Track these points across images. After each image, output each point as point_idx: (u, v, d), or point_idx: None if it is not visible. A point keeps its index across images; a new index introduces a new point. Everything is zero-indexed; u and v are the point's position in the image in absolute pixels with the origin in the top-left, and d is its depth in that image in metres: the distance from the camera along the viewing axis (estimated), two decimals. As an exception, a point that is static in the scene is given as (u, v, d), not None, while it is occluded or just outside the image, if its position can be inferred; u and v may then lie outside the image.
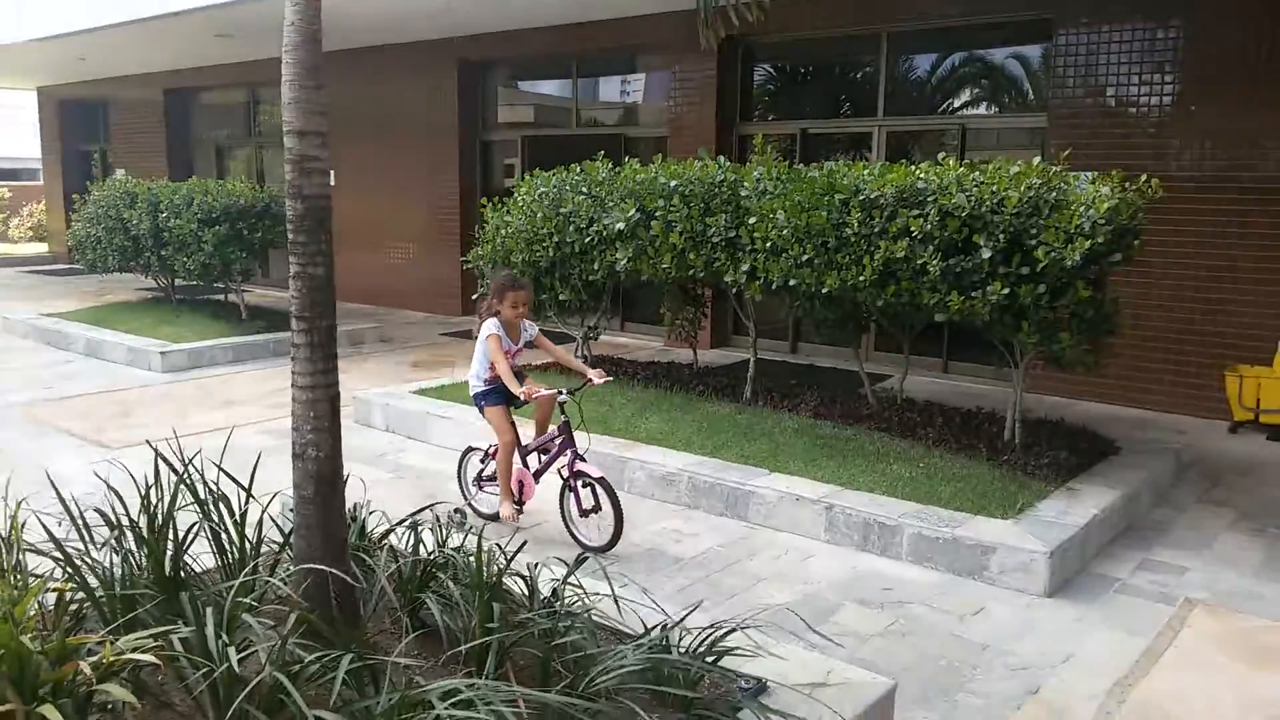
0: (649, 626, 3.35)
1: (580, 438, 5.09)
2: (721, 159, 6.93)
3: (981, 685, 3.78)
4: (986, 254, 5.20)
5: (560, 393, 5.02)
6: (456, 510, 5.12)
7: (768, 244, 6.15)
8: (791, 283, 6.05)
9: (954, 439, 6.00)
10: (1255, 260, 7.47)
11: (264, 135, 16.24)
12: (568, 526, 5.15)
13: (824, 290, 5.88)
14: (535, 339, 5.25)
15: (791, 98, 10.56)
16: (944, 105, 9.38)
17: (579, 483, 5.01)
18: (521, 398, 4.90)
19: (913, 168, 5.77)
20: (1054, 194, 5.22)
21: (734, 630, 3.20)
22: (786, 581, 4.72)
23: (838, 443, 6.06)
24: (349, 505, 3.47)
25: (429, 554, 3.58)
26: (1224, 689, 3.74)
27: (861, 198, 5.75)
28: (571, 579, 3.38)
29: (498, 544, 3.65)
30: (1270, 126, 7.33)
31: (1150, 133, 7.80)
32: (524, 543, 3.55)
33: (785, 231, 6.01)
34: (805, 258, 5.93)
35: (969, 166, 5.60)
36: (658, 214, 6.78)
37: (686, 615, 3.37)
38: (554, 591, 3.35)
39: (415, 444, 7.03)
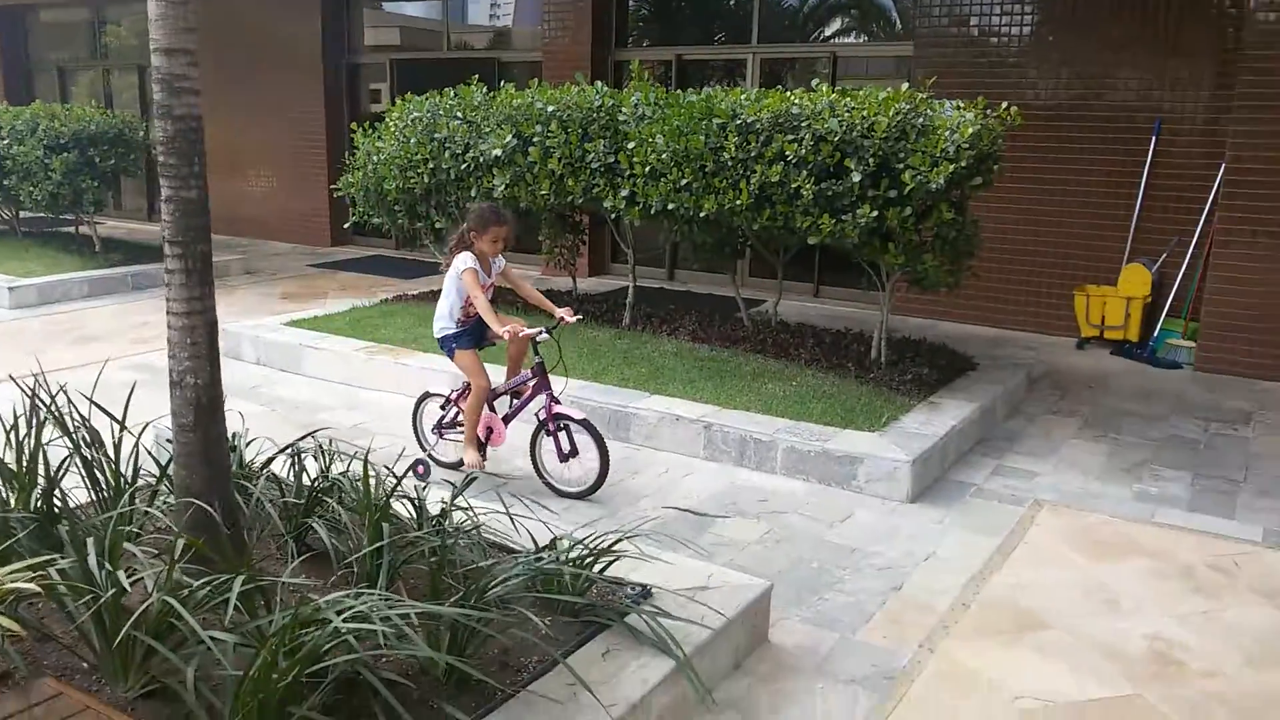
0: (537, 540, 3.45)
1: (556, 381, 4.84)
2: (600, 84, 6.91)
3: (850, 584, 4.02)
4: (857, 177, 5.38)
5: (541, 331, 4.76)
6: (419, 463, 4.90)
7: (646, 169, 6.20)
8: (670, 207, 6.13)
9: (825, 359, 6.24)
10: (1104, 188, 7.91)
11: (111, 57, 15.27)
12: (540, 472, 4.94)
13: (702, 214, 5.98)
14: (504, 272, 4.99)
15: (667, 24, 10.53)
16: (816, 34, 9.52)
17: (555, 426, 4.78)
18: (504, 335, 4.61)
19: (788, 94, 5.88)
20: (921, 119, 5.42)
21: (620, 540, 3.32)
22: (668, 497, 4.88)
23: (715, 364, 6.23)
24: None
25: (313, 481, 3.58)
26: (1067, 579, 4.07)
27: (738, 122, 5.85)
28: (460, 500, 3.44)
29: (386, 466, 3.67)
30: (1122, 59, 7.72)
31: (1011, 62, 8.11)
32: (472, 477, 3.57)
33: (664, 156, 6.07)
34: (684, 182, 6.00)
35: (841, 93, 5.74)
36: (535, 140, 6.73)
37: (575, 530, 3.47)
38: (442, 511, 3.40)
39: (288, 376, 6.90)
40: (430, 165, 7.26)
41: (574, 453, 4.78)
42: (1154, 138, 7.64)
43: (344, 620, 2.49)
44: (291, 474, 3.66)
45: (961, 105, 5.69)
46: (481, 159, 6.99)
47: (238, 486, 3.43)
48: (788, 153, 5.57)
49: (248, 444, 3.89)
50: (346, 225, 8.89)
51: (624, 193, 6.36)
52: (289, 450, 3.75)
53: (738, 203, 5.76)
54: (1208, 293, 7.28)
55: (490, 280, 4.90)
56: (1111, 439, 5.79)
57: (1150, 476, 5.21)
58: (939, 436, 5.13)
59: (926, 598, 3.92)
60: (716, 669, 3.29)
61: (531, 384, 4.86)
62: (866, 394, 5.70)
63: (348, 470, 3.67)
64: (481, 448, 4.95)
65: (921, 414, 5.48)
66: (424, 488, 3.62)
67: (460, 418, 5.01)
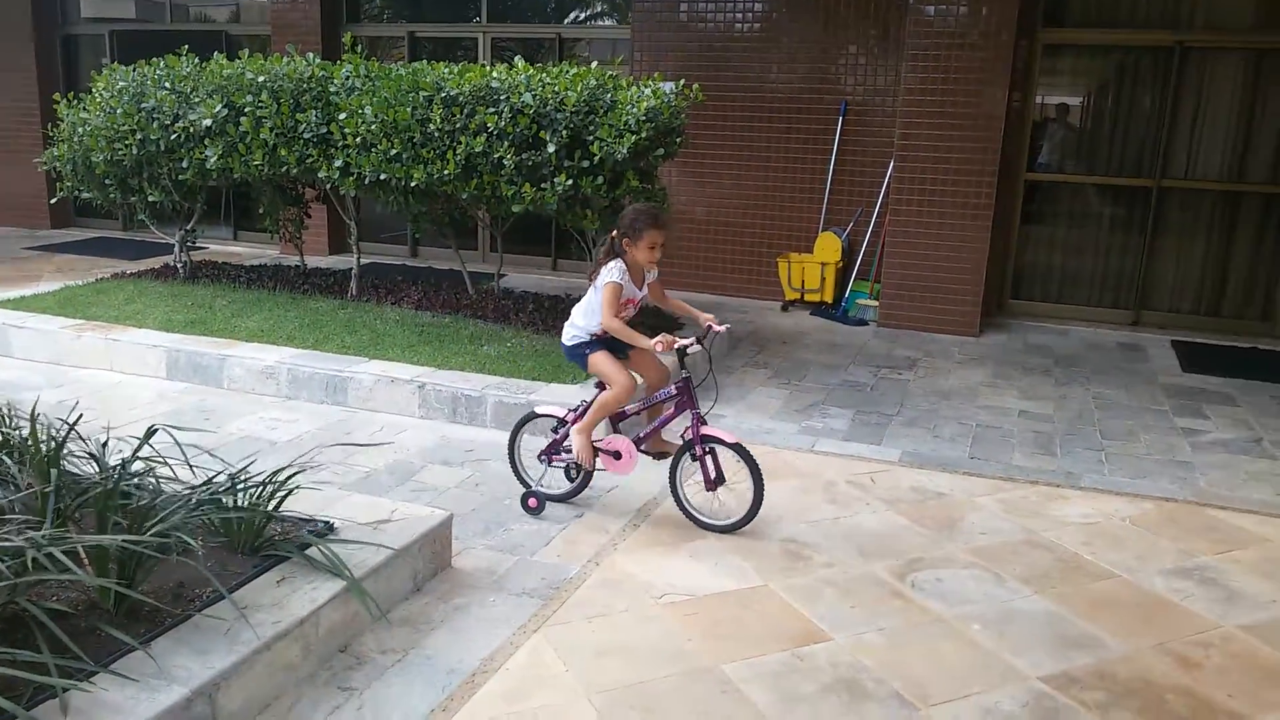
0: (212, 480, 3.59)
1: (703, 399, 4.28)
2: (311, 55, 6.96)
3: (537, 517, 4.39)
4: (552, 148, 5.76)
5: (693, 341, 4.12)
6: (530, 495, 4.39)
7: (358, 139, 6.34)
8: (383, 177, 6.30)
9: (542, 322, 6.62)
10: (801, 164, 8.71)
11: None
12: (681, 503, 4.32)
13: (413, 184, 6.20)
14: (653, 285, 4.36)
15: (402, 0, 10.59)
16: (543, 15, 9.87)
17: (703, 450, 4.19)
18: (658, 349, 4.02)
19: (488, 68, 6.19)
20: (609, 95, 5.86)
21: (297, 473, 3.53)
22: (379, 452, 5.09)
23: (435, 330, 6.47)
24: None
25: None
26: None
27: (443, 95, 6.10)
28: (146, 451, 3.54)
29: (62, 419, 3.70)
30: (813, 46, 8.50)
31: (718, 46, 8.75)
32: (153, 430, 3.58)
33: (374, 127, 6.23)
34: (394, 152, 6.20)
35: (537, 69, 6.10)
36: (247, 110, 6.72)
37: (246, 465, 3.64)
38: (122, 463, 3.49)
39: (-11, 356, 6.60)
40: (138, 136, 7.08)
41: (721, 479, 4.22)
42: (840, 119, 8.49)
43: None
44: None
45: (681, 85, 6.18)
46: (192, 129, 6.90)
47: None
48: (489, 125, 5.88)
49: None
50: (54, 200, 8.48)
51: (338, 163, 6.47)
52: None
53: (445, 173, 6.02)
54: (886, 258, 8.19)
55: (640, 295, 4.29)
56: (794, 385, 6.48)
57: (819, 414, 5.90)
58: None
59: (604, 522, 4.34)
60: (394, 591, 3.57)
61: (674, 402, 4.25)
62: (574, 351, 6.11)
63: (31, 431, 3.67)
64: (596, 454, 4.33)
65: (622, 367, 5.94)
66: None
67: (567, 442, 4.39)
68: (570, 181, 5.74)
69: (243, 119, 6.69)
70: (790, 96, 8.62)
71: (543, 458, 4.46)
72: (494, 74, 6.08)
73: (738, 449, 4.11)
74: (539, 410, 4.54)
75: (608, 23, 9.69)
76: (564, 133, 5.76)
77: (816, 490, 4.74)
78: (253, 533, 3.38)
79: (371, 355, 6.05)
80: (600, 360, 4.22)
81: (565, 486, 4.48)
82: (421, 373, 5.76)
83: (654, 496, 4.62)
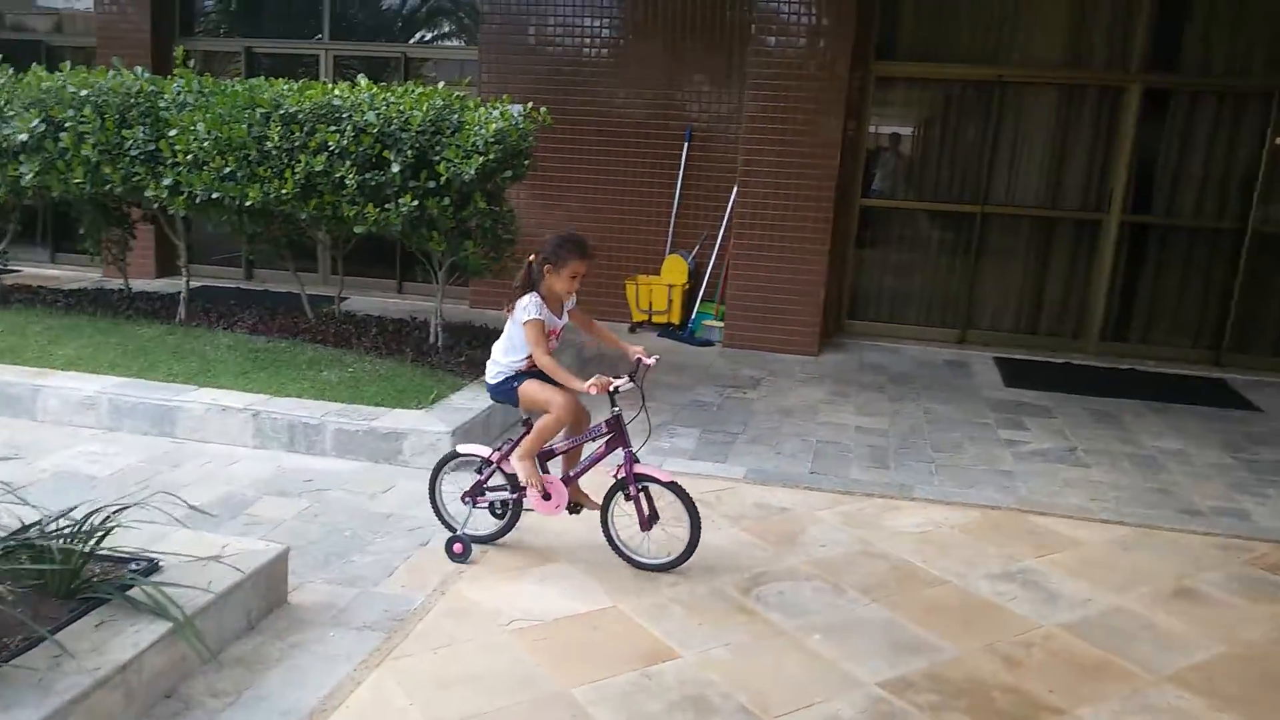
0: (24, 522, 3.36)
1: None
2: (140, 69, 6.63)
3: (380, 546, 4.27)
4: (396, 169, 5.66)
5: (626, 380, 3.97)
6: (455, 541, 4.15)
7: (189, 157, 6.07)
8: (215, 196, 6.05)
9: (385, 346, 6.47)
10: (649, 187, 8.83)
11: None
12: (613, 542, 4.19)
13: (248, 204, 5.97)
14: (573, 313, 4.22)
15: (238, 15, 10.22)
16: (389, 34, 9.72)
17: (637, 489, 4.06)
18: (591, 392, 3.83)
19: (330, 86, 6.04)
20: (455, 115, 5.81)
21: (120, 509, 3.32)
22: (210, 484, 4.86)
23: (271, 355, 6.23)
24: None
25: None
26: (579, 522, 4.57)
27: (282, 112, 5.91)
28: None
29: None
30: (659, 72, 8.65)
31: (566, 71, 8.79)
32: None
33: (207, 144, 5.98)
34: (228, 170, 5.96)
35: (381, 88, 5.99)
36: (68, 125, 6.34)
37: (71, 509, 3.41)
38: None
39: None
40: (-57, 151, 6.58)
41: (655, 517, 4.11)
42: (686, 145, 8.66)
43: None
44: None
45: (529, 109, 6.16)
46: (6, 144, 6.46)
47: None
48: (330, 143, 5.73)
49: None
50: None
51: (167, 181, 6.17)
52: None
53: (283, 192, 5.83)
54: (730, 281, 8.39)
55: (560, 324, 4.13)
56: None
57: (666, 434, 5.97)
58: (481, 410, 5.54)
59: (449, 549, 4.26)
60: (226, 631, 3.40)
61: (605, 439, 4.10)
62: (421, 376, 6.00)
63: None
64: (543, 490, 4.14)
65: (470, 391, 5.86)
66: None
67: (490, 481, 4.24)
68: (415, 202, 5.65)
69: (63, 134, 6.30)
70: (638, 122, 8.75)
71: (466, 499, 4.22)
72: (336, 91, 5.94)
73: (673, 487, 3.96)
74: (460, 450, 4.31)
75: (455, 43, 9.62)
76: (409, 153, 5.67)
77: (664, 510, 4.78)
78: (69, 575, 3.17)
79: (202, 383, 5.78)
80: (532, 389, 4.03)
81: (491, 527, 4.30)
82: (256, 400, 5.54)
83: (503, 521, 4.56)
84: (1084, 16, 8.26)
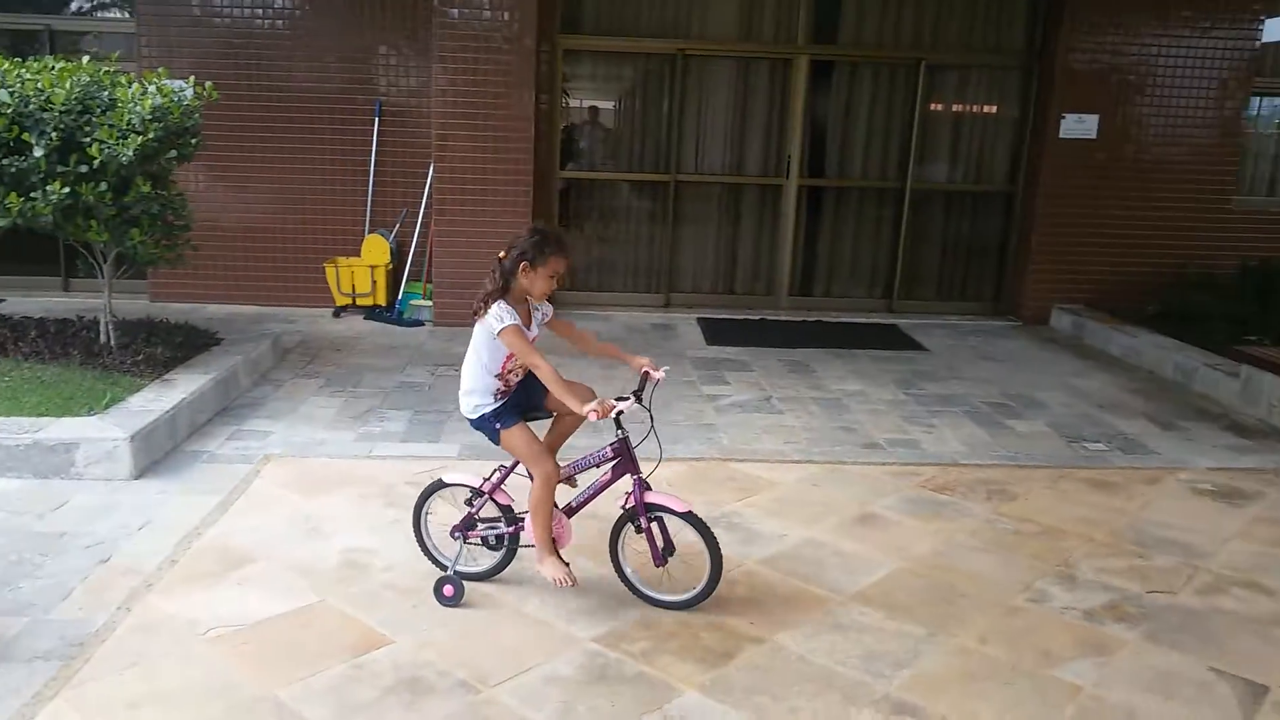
0: None
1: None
2: None
3: (52, 567, 3.85)
4: (40, 152, 5.07)
5: (629, 399, 3.50)
6: (445, 583, 3.64)
7: None
8: None
9: (48, 350, 5.82)
10: (344, 164, 8.47)
11: None
12: (624, 578, 3.73)
13: None
14: (550, 321, 3.67)
15: None
16: (33, 3, 8.67)
17: (648, 519, 3.57)
18: (592, 417, 3.30)
19: (-48, 62, 5.32)
20: (106, 93, 5.28)
21: None
22: None
23: (-95, 370, 5.45)
24: None
25: None
26: (280, 517, 4.37)
27: (-112, 93, 5.13)
28: None
29: None
30: (344, 43, 8.29)
31: (238, 44, 8.23)
32: None
33: None
34: None
35: (14, 63, 5.35)
36: None
37: None
38: None
39: None
40: None
41: (671, 550, 3.65)
42: (377, 118, 8.38)
43: None
44: None
45: (193, 84, 5.69)
46: None
47: None
48: (-42, 126, 5.05)
49: None
50: None
51: None
52: None
53: (-101, 183, 5.08)
54: (435, 258, 8.24)
55: (533, 335, 3.53)
56: (349, 393, 6.29)
57: (376, 419, 5.78)
58: (164, 411, 5.11)
59: (134, 563, 3.91)
60: None
61: (611, 465, 3.61)
62: (92, 379, 5.45)
63: None
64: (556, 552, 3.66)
65: (151, 392, 5.40)
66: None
67: (482, 512, 3.75)
68: (67, 189, 5.09)
69: None
70: (324, 96, 8.35)
71: (456, 534, 3.76)
72: (-44, 68, 5.23)
73: (689, 518, 3.54)
74: (447, 480, 3.82)
75: (112, 15, 8.74)
76: (54, 135, 5.09)
77: (375, 496, 4.64)
78: None
79: None
80: (516, 442, 3.53)
81: (487, 562, 3.84)
82: (-111, 422, 4.82)
83: (194, 527, 4.25)
84: (753, -8, 8.77)
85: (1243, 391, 6.62)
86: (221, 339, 6.62)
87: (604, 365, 6.53)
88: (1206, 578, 4.14)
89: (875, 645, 3.44)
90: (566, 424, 3.73)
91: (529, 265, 3.43)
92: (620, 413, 3.41)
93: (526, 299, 3.53)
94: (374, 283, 8.33)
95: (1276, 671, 3.44)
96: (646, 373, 3.54)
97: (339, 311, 8.45)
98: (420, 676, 3.19)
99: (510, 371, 3.55)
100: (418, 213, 8.49)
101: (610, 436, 3.64)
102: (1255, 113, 9.63)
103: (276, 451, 5.19)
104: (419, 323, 8.31)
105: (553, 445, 3.73)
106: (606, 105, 9.27)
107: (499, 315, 3.37)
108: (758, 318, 8.98)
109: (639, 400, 3.51)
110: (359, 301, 8.41)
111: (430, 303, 8.34)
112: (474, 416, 3.59)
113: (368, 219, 8.52)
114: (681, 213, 9.12)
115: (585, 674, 3.24)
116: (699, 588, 3.62)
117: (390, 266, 8.42)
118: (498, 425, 3.53)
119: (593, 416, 3.29)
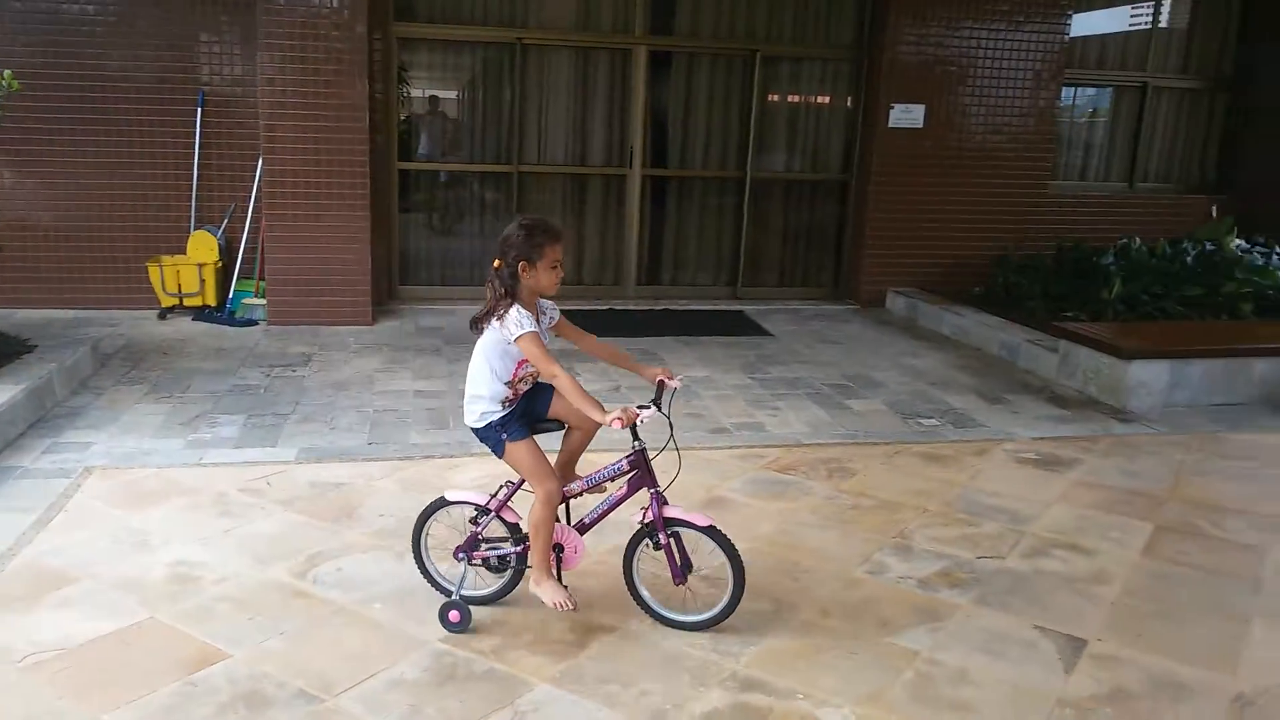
0: None
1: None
2: None
3: None
4: None
5: (650, 407, 3.27)
6: (450, 608, 3.42)
7: None
8: None
9: None
10: (165, 158, 8.02)
11: None
12: (639, 596, 3.55)
13: None
14: (558, 325, 3.48)
15: None
16: None
17: (667, 534, 3.36)
18: (615, 425, 3.14)
19: None
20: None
21: None
22: None
23: None
24: None
25: None
26: (103, 533, 4.10)
27: None
28: None
29: None
30: (162, 31, 7.83)
31: (42, 29, 7.68)
32: None
33: None
34: None
35: None
36: None
37: None
38: None
39: None
40: None
41: (690, 567, 3.44)
42: (200, 110, 7.97)
43: None
44: None
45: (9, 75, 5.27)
46: None
47: None
48: None
49: None
50: None
51: None
52: None
53: None
54: (268, 254, 7.90)
55: (544, 340, 3.33)
56: (177, 398, 5.97)
57: (207, 425, 5.51)
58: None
59: (-65, 591, 3.61)
60: None
61: (628, 479, 3.42)
62: (-117, 394, 5.00)
63: None
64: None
65: (-48, 404, 5.00)
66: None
67: (487, 531, 3.55)
68: None
69: None
70: (141, 86, 7.89)
71: (460, 555, 3.54)
72: None
73: (711, 532, 3.36)
74: (450, 497, 3.58)
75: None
76: None
77: (207, 505, 4.42)
78: None
79: None
80: (521, 456, 3.39)
81: (492, 585, 3.61)
82: None
83: (8, 547, 3.95)
84: (590, -19, 8.76)
85: (1061, 365, 7.05)
86: (35, 346, 6.17)
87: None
88: (1031, 541, 4.39)
89: (723, 625, 3.50)
90: (576, 438, 3.59)
91: (528, 263, 3.29)
92: (643, 421, 3.28)
93: (535, 301, 3.39)
94: (202, 281, 7.94)
95: (1094, 625, 3.67)
96: (662, 381, 3.41)
97: (165, 313, 8.01)
98: (258, 689, 3.05)
99: (520, 380, 3.43)
100: (248, 207, 8.13)
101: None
102: (1070, 102, 10.29)
103: (98, 463, 4.88)
104: (252, 322, 7.96)
105: (566, 463, 3.60)
106: (447, 95, 9.10)
107: (519, 321, 3.24)
108: (605, 307, 9.01)
109: (658, 407, 3.34)
110: (187, 302, 7.99)
111: (264, 301, 8.00)
112: (480, 425, 3.44)
113: (193, 215, 8.10)
114: (525, 204, 9.04)
115: (433, 675, 3.18)
116: (720, 605, 3.46)
117: (220, 264, 8.03)
118: (504, 436, 3.41)
119: (616, 425, 3.18)
